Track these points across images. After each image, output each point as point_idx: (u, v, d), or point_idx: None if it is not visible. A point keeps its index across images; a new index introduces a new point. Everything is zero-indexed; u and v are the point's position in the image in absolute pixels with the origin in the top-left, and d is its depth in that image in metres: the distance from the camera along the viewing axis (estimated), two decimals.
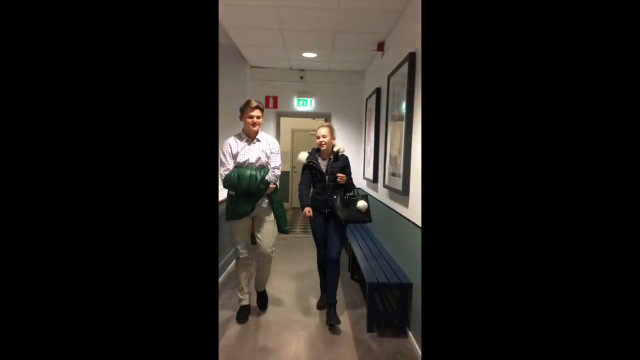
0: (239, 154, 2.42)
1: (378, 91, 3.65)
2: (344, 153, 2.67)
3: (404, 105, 2.60)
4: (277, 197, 2.56)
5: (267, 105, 4.68)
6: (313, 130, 7.19)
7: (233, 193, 2.44)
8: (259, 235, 2.56)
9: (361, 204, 2.55)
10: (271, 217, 2.55)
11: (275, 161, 2.49)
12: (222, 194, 2.58)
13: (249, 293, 2.66)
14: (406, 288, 2.42)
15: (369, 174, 4.02)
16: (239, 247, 2.55)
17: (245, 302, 2.62)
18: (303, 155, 2.71)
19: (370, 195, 3.65)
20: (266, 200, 2.51)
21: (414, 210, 2.39)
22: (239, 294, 2.64)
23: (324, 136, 2.59)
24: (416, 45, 2.43)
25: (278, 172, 2.50)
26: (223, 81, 4.27)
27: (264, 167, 2.43)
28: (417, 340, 2.23)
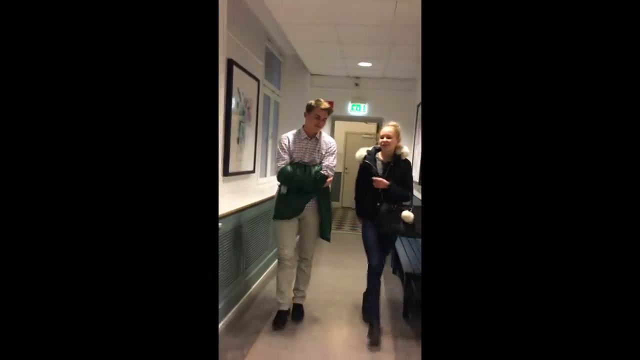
0: (295, 151, 2.37)
1: None
2: (407, 158, 2.41)
3: None
4: (326, 202, 2.47)
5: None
6: (366, 134, 7.53)
7: (284, 192, 2.38)
8: (301, 239, 2.51)
9: (405, 213, 2.32)
10: (316, 222, 2.47)
11: (329, 160, 2.39)
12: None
13: (291, 297, 2.54)
14: None
15: (416, 177, 4.24)
16: (284, 248, 2.43)
17: (284, 307, 2.49)
18: (360, 153, 2.48)
19: (415, 197, 3.87)
20: (316, 204, 2.44)
21: None
22: (278, 298, 2.49)
23: (388, 137, 2.34)
24: None
25: (331, 172, 2.38)
26: (287, 87, 4.76)
27: (317, 165, 2.37)
28: None
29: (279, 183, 2.43)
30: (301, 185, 2.34)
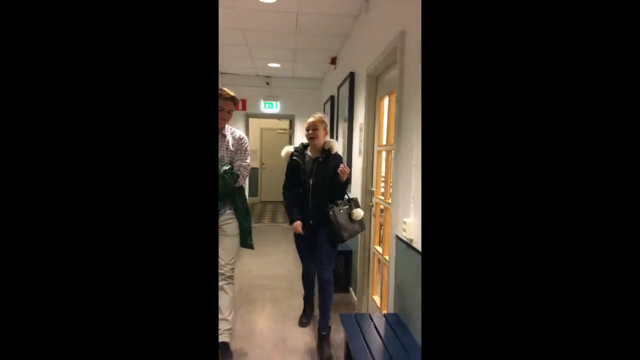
0: None
1: (332, 98, 4.32)
2: (337, 152, 2.23)
3: (347, 111, 3.27)
4: (243, 206, 2.13)
5: (236, 108, 5.22)
6: (280, 129, 7.84)
7: None
8: (219, 251, 2.08)
9: (357, 212, 2.12)
10: (235, 231, 2.09)
11: (243, 158, 2.09)
12: None
13: (228, 322, 2.06)
14: (349, 254, 3.10)
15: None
16: None
17: (225, 339, 2.03)
18: (287, 150, 2.22)
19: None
20: (230, 210, 2.09)
21: (353, 195, 3.07)
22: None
23: (314, 128, 2.12)
24: (355, 68, 3.10)
25: (245, 173, 2.09)
26: None
27: (225, 164, 2.06)
28: (356, 294, 2.91)
29: None
30: None
